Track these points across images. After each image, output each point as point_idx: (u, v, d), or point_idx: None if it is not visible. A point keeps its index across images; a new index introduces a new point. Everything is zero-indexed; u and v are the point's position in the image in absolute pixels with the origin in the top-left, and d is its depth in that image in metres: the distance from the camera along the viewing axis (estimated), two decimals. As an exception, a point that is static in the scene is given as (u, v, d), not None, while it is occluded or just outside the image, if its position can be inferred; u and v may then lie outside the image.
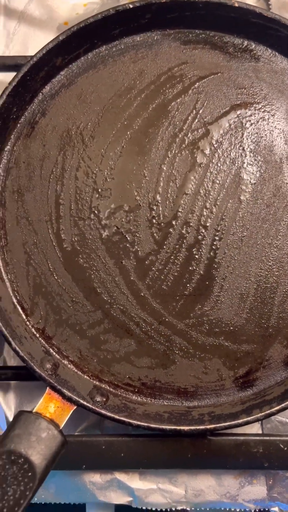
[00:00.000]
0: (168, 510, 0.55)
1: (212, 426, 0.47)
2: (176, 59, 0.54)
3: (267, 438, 0.51)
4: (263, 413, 0.47)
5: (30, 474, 0.42)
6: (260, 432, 0.55)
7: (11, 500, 0.41)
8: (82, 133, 0.53)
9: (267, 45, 0.53)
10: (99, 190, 0.52)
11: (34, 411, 0.46)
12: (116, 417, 0.47)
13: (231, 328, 0.51)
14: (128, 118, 0.53)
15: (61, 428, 0.46)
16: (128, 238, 0.52)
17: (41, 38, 0.63)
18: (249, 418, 0.47)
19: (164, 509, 0.55)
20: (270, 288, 0.51)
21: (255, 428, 0.56)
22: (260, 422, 0.56)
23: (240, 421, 0.47)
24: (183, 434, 0.47)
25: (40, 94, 0.53)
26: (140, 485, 0.55)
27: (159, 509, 0.55)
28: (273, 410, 0.47)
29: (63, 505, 0.57)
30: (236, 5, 0.51)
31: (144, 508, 0.55)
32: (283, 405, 0.47)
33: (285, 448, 0.51)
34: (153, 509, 0.55)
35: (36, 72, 0.51)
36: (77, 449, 0.51)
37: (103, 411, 0.47)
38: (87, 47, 0.53)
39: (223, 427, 0.47)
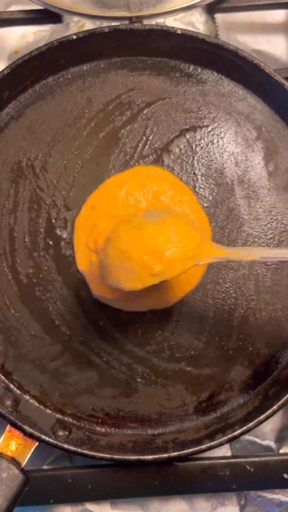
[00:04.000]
0: (142, 537, 0.55)
1: (176, 453, 0.47)
2: (124, 86, 0.54)
3: (234, 460, 0.51)
4: (225, 437, 0.47)
5: (-10, 517, 0.42)
6: (229, 452, 0.55)
7: None
8: (33, 165, 0.53)
9: (213, 69, 0.54)
10: (53, 221, 0.52)
11: (-6, 451, 0.46)
12: (79, 450, 0.47)
13: (192, 352, 0.51)
14: (79, 147, 0.53)
15: (23, 465, 0.46)
16: (85, 268, 0.52)
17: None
18: (212, 443, 0.47)
19: (137, 537, 0.55)
20: (228, 310, 0.51)
21: (224, 449, 0.56)
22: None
23: (203, 446, 0.47)
24: (148, 463, 0.47)
25: (-11, 127, 0.53)
26: (112, 514, 0.55)
27: (132, 537, 0.55)
28: (235, 433, 0.47)
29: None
30: (179, 32, 0.51)
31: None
32: (244, 428, 0.47)
33: (252, 470, 0.50)
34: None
35: (-17, 107, 0.51)
36: (43, 484, 0.50)
37: (65, 446, 0.47)
38: (33, 79, 0.53)
39: (186, 454, 0.47)
